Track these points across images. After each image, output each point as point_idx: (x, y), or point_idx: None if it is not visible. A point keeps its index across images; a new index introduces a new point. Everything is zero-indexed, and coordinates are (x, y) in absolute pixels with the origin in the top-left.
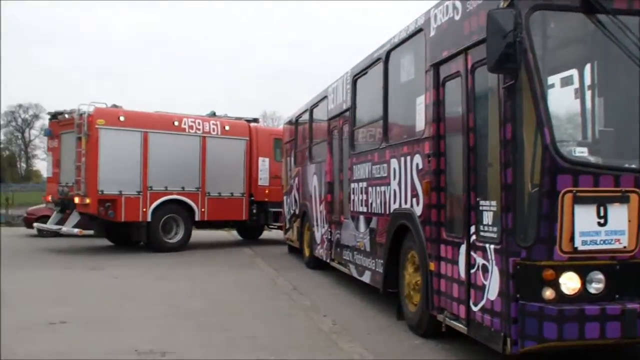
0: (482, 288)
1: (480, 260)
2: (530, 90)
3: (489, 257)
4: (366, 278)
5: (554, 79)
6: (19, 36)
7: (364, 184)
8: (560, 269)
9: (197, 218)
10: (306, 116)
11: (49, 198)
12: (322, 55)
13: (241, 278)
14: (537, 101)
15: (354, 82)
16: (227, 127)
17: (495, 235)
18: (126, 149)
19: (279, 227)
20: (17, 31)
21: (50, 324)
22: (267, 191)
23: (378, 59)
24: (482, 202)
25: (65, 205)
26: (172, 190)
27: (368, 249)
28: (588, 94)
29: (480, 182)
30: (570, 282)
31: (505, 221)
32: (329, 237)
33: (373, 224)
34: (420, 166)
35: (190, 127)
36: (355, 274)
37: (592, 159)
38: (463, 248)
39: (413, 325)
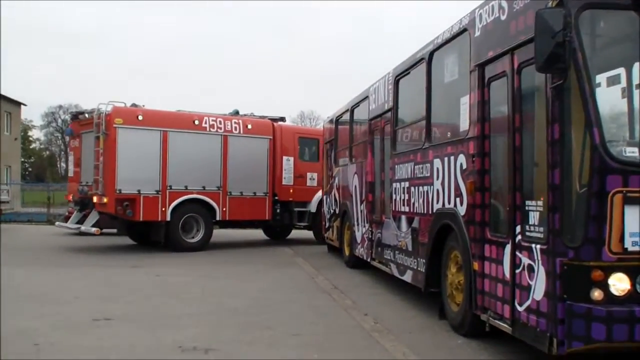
0: (528, 288)
1: (525, 260)
2: (580, 89)
3: (535, 257)
4: (407, 277)
5: (600, 78)
6: (59, 39)
7: (406, 184)
8: (609, 270)
9: (218, 217)
10: (347, 116)
11: (70, 197)
12: (365, 55)
13: (282, 277)
14: (587, 101)
15: (396, 83)
16: (249, 126)
17: (541, 236)
18: (145, 148)
19: (305, 227)
20: (58, 34)
21: (94, 320)
22: (291, 190)
23: (421, 59)
24: (528, 202)
25: (84, 205)
26: (192, 189)
27: (410, 249)
28: (636, 93)
29: (526, 182)
30: (619, 283)
31: (552, 221)
32: (370, 236)
33: (415, 224)
34: (465, 166)
35: (211, 125)
36: (396, 273)
37: None
38: (508, 248)
39: (455, 324)
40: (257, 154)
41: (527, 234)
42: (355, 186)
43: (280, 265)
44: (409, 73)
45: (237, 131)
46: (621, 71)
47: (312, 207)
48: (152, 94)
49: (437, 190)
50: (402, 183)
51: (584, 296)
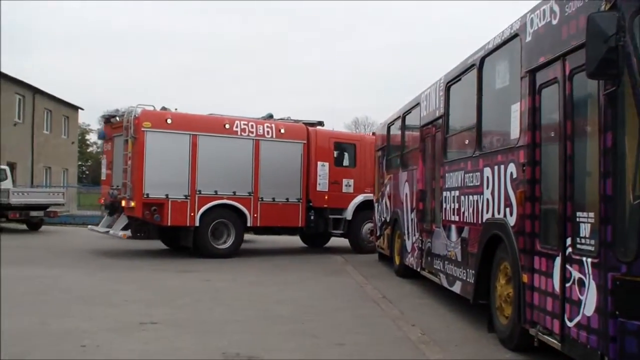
0: (578, 303)
1: (576, 274)
2: (634, 96)
3: (586, 271)
4: (457, 288)
5: None
6: (113, 42)
7: (456, 193)
8: None
9: (249, 224)
10: (398, 123)
11: (102, 201)
12: (423, 59)
13: (330, 285)
14: None
15: (447, 89)
16: (282, 130)
17: (592, 249)
18: (173, 152)
19: (341, 235)
20: (113, 37)
21: (140, 324)
22: (326, 197)
23: (472, 66)
24: (579, 214)
25: (114, 208)
26: (222, 194)
27: (459, 259)
28: None
29: (577, 192)
30: None
31: (604, 234)
32: (420, 245)
33: (465, 234)
34: (515, 175)
35: (243, 129)
36: (445, 284)
37: None
38: (558, 261)
39: (504, 338)
40: (291, 159)
41: (578, 246)
42: (406, 194)
43: (329, 273)
44: (460, 79)
45: (270, 135)
46: None
47: (348, 214)
48: (209, 96)
49: (487, 200)
50: (452, 192)
51: (637, 313)
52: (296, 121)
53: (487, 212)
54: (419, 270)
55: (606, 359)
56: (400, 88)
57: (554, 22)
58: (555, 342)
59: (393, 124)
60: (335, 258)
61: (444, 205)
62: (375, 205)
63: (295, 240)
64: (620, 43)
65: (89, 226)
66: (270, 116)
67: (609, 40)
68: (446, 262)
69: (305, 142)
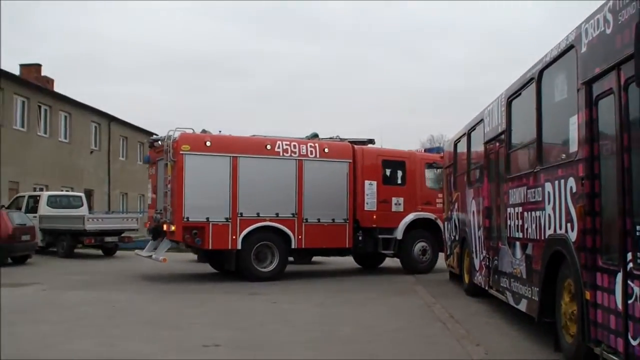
0: None
1: (637, 290)
2: None
3: None
4: (522, 306)
5: None
6: (183, 66)
7: (520, 209)
8: None
9: (293, 246)
10: (464, 140)
11: (147, 225)
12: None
13: (398, 305)
14: None
15: (509, 104)
16: (326, 150)
17: None
18: (213, 174)
19: (392, 255)
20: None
21: (204, 346)
22: (374, 216)
23: (531, 79)
24: (639, 227)
25: (158, 232)
26: (264, 216)
27: (524, 276)
28: None
29: (636, 205)
30: None
31: None
32: (487, 263)
33: (529, 250)
34: (575, 189)
35: (285, 150)
36: (511, 302)
37: None
38: (619, 276)
39: (570, 357)
40: (336, 179)
41: (639, 261)
42: (473, 211)
43: (397, 293)
44: (520, 94)
45: (313, 155)
46: None
47: (399, 233)
48: (279, 119)
49: (549, 215)
50: (516, 208)
51: None
52: (343, 140)
53: (549, 228)
54: (486, 288)
55: None
56: (477, 105)
57: (608, 31)
58: None
59: (459, 141)
60: (406, 278)
61: (509, 222)
62: (445, 224)
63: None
64: None
65: (136, 251)
66: (315, 135)
67: None
68: (512, 280)
69: (350, 160)
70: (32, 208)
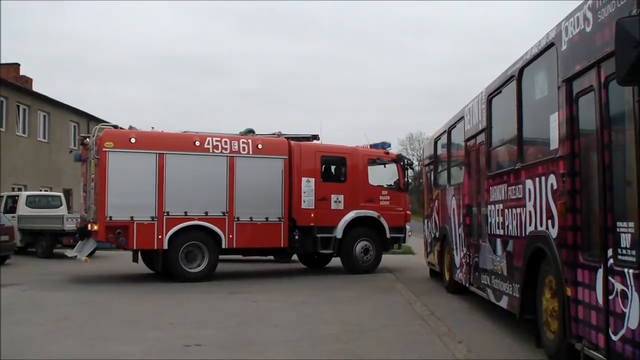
0: (622, 316)
1: (619, 286)
2: None
3: (629, 283)
4: (503, 303)
5: None
6: (168, 65)
7: (500, 206)
8: None
9: (224, 245)
10: (444, 137)
11: (78, 225)
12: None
13: (379, 303)
14: None
15: (489, 102)
16: (260, 146)
17: (634, 259)
18: (138, 172)
19: (331, 255)
20: (169, 60)
21: (185, 346)
22: (312, 215)
23: (511, 77)
24: (619, 224)
25: (85, 232)
26: (192, 215)
27: (505, 273)
28: None
29: (617, 202)
30: None
31: None
32: (468, 260)
33: (509, 247)
34: (555, 186)
35: (215, 147)
36: (492, 299)
37: None
38: (600, 273)
39: (551, 353)
40: (270, 176)
41: (619, 257)
42: (454, 209)
43: (379, 291)
44: (500, 92)
45: (246, 151)
46: None
47: (338, 232)
48: (265, 118)
49: (530, 212)
50: (497, 205)
51: None
52: (285, 136)
53: (530, 224)
54: (467, 285)
55: None
56: (460, 102)
57: (588, 29)
58: (601, 357)
59: (439, 139)
60: (386, 276)
61: (489, 219)
62: (425, 221)
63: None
64: None
65: (66, 251)
66: (250, 131)
67: (638, 45)
68: (493, 277)
69: (286, 157)
70: (11, 208)
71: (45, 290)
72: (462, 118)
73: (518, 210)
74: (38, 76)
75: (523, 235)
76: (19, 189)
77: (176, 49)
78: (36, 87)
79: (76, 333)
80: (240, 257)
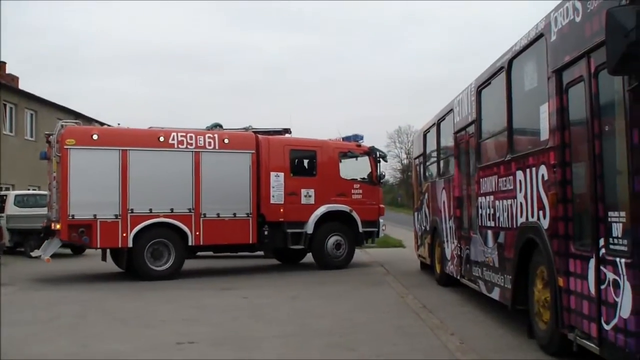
0: (614, 305)
1: (610, 276)
2: None
3: (620, 272)
4: (495, 295)
5: None
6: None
7: (491, 198)
8: None
9: (190, 243)
10: (434, 130)
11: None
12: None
13: (371, 296)
14: None
15: (479, 93)
16: (226, 140)
17: (625, 249)
18: (101, 169)
19: (302, 250)
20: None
21: (178, 343)
22: (281, 210)
23: (501, 68)
24: (610, 213)
25: (49, 231)
26: (158, 212)
27: (496, 265)
28: None
29: (608, 191)
30: None
31: (636, 233)
32: (459, 252)
33: (501, 239)
34: (546, 177)
35: (180, 142)
36: (484, 291)
37: None
38: (592, 262)
39: (543, 344)
40: (237, 171)
41: (611, 247)
42: (444, 202)
43: (370, 285)
44: (490, 83)
45: (212, 146)
46: None
47: (309, 227)
48: (252, 113)
49: (521, 204)
50: (487, 197)
51: None
52: (256, 130)
53: (521, 216)
54: (458, 277)
55: None
56: (449, 95)
57: (577, 19)
58: (593, 346)
59: (429, 131)
60: (377, 269)
61: (480, 211)
62: (415, 214)
63: None
64: None
65: (33, 251)
66: (217, 126)
67: (629, 34)
68: (484, 269)
69: (253, 151)
70: None
71: (36, 289)
72: (451, 110)
73: (509, 201)
74: (25, 74)
75: (514, 226)
76: (7, 189)
77: (166, 43)
78: (22, 85)
79: (69, 332)
80: (228, 254)
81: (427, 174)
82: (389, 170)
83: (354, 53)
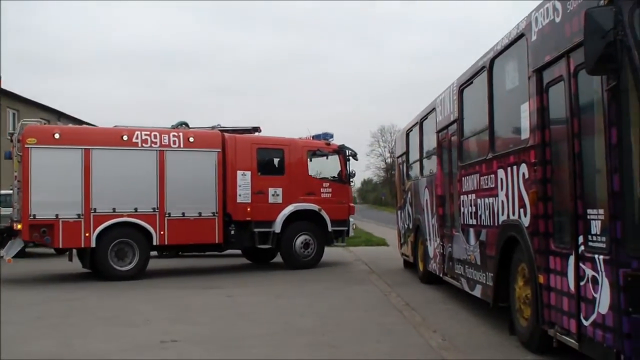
0: (593, 301)
1: (589, 272)
2: (637, 90)
3: (599, 269)
4: (477, 292)
5: None
6: (139, 60)
7: (473, 196)
8: None
9: (155, 242)
10: (416, 129)
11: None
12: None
13: (354, 294)
14: None
15: (460, 93)
16: (191, 139)
17: (604, 246)
18: (63, 168)
19: (269, 250)
20: (138, 55)
21: (161, 342)
22: (248, 209)
23: (482, 68)
24: (589, 211)
25: (12, 232)
26: (121, 212)
27: (478, 262)
28: None
29: (587, 189)
30: None
31: (614, 230)
32: (441, 250)
33: (483, 237)
34: (527, 175)
35: (144, 141)
36: (466, 288)
37: None
38: (572, 259)
39: (525, 340)
40: (203, 170)
41: (590, 244)
42: (427, 200)
43: (354, 283)
44: (472, 82)
45: (177, 145)
46: None
47: (277, 227)
48: (238, 112)
49: (502, 202)
50: (470, 195)
51: None
52: (222, 128)
53: (503, 214)
54: (441, 275)
55: (622, 357)
56: (432, 94)
57: (557, 19)
58: (573, 342)
59: (411, 130)
60: (361, 267)
61: (462, 209)
62: (398, 212)
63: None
64: (619, 37)
65: None
66: (182, 124)
67: (607, 35)
68: (466, 266)
69: (219, 150)
70: None
71: (19, 289)
72: (433, 109)
73: (490, 199)
74: (6, 73)
75: (496, 224)
76: None
77: (149, 42)
78: (4, 85)
79: (53, 332)
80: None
81: (409, 172)
82: (373, 169)
83: (339, 52)
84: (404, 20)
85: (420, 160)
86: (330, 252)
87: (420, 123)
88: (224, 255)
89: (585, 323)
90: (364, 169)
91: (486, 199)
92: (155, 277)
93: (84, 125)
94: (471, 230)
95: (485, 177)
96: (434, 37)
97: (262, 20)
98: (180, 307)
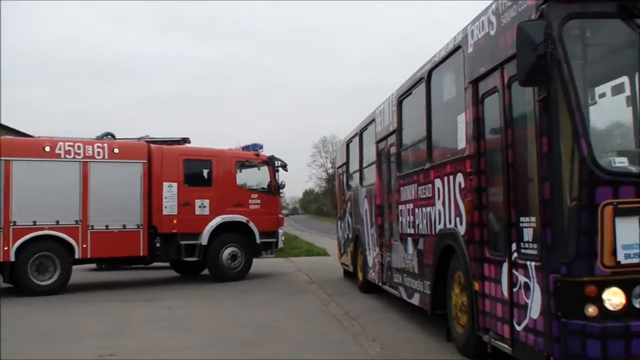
0: (525, 307)
1: (522, 279)
2: (566, 101)
3: (531, 275)
4: (415, 300)
5: (605, 88)
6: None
7: (411, 205)
8: (602, 285)
9: (77, 256)
10: (356, 140)
11: None
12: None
13: (294, 305)
14: (573, 113)
15: (399, 104)
16: (116, 150)
17: (535, 252)
18: None
19: (196, 262)
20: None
21: (99, 356)
22: (175, 221)
23: (420, 79)
24: (522, 219)
25: None
26: (42, 224)
27: (416, 271)
28: (627, 102)
29: (520, 198)
30: (614, 298)
31: (544, 237)
32: (380, 260)
33: (420, 246)
34: (463, 185)
35: (67, 152)
36: (405, 297)
37: (635, 169)
38: (505, 266)
39: (461, 347)
40: (127, 181)
41: (523, 251)
42: (366, 210)
43: (294, 294)
44: (410, 93)
45: (101, 156)
46: (625, 80)
47: (204, 239)
48: (179, 124)
49: (439, 211)
50: (408, 205)
51: (578, 313)
52: (149, 139)
53: (440, 222)
54: (380, 284)
55: None
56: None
57: (492, 32)
58: (506, 346)
59: (351, 141)
60: (301, 277)
61: (400, 219)
62: (338, 222)
63: (263, 263)
64: (549, 50)
65: None
66: (107, 135)
67: (537, 48)
68: (404, 275)
69: (145, 161)
70: None
71: None
72: (373, 120)
73: (428, 209)
74: None
75: (433, 233)
76: None
77: (83, 53)
78: None
79: None
80: (157, 264)
81: (349, 183)
82: (315, 179)
83: (282, 63)
84: (342, 30)
85: (360, 171)
86: (271, 263)
87: (360, 134)
88: (164, 267)
89: (518, 328)
90: (306, 180)
91: (424, 209)
92: (97, 290)
93: (6, 137)
94: (409, 239)
95: (423, 186)
96: (376, 47)
97: (199, 31)
98: (121, 320)
